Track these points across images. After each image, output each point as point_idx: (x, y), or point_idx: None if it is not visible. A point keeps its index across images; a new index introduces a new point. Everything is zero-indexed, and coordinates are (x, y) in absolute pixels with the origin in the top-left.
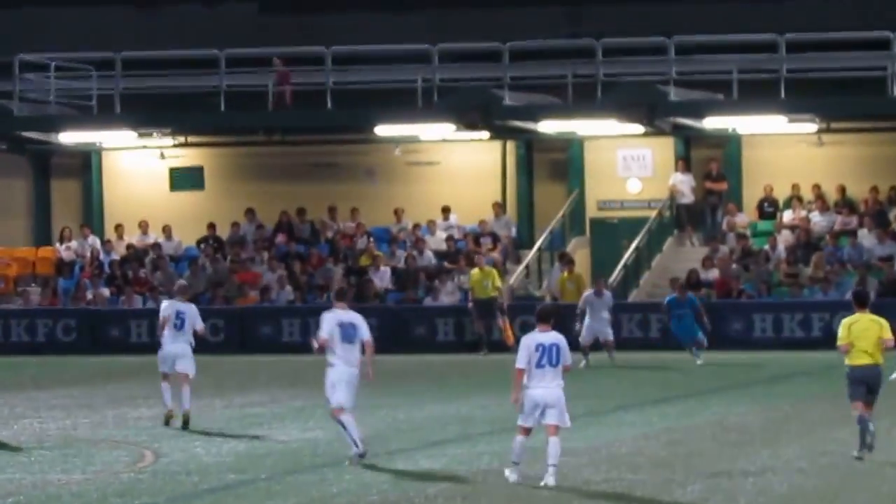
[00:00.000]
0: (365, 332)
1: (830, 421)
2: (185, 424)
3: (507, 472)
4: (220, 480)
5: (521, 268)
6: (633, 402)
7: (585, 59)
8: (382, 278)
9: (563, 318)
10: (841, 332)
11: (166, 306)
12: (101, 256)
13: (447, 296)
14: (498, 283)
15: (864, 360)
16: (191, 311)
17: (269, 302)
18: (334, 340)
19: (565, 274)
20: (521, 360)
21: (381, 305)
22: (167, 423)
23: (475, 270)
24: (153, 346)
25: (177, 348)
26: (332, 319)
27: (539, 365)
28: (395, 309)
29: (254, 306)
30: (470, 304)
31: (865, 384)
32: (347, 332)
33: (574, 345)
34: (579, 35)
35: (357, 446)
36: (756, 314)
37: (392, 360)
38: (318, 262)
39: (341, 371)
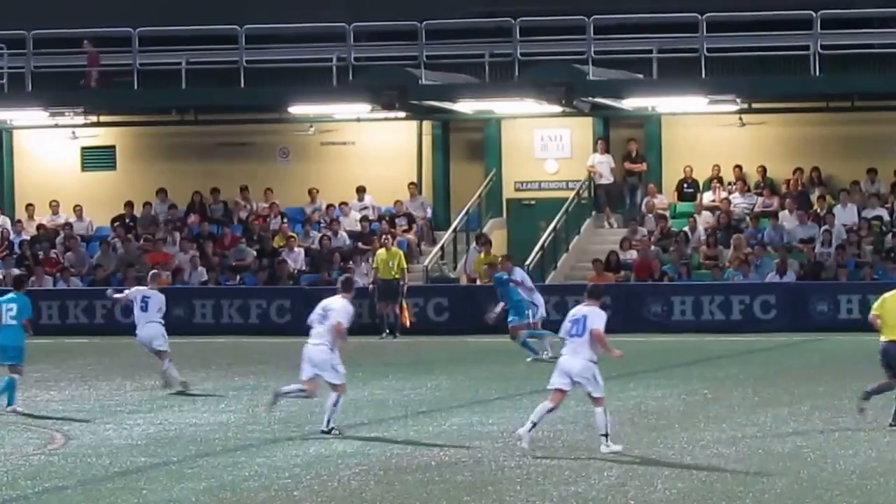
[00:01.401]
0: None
1: (750, 405)
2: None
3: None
4: (131, 463)
5: (436, 249)
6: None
7: (503, 38)
8: (296, 259)
9: (480, 300)
10: (875, 304)
11: (132, 291)
12: (11, 237)
13: (361, 277)
14: (403, 264)
15: (887, 336)
16: (156, 297)
17: (181, 283)
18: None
19: (482, 255)
20: (562, 329)
21: (295, 287)
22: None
23: (381, 251)
24: (63, 328)
25: (148, 330)
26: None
27: (569, 335)
28: (309, 290)
29: (166, 287)
30: (371, 286)
31: (886, 359)
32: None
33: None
34: (497, 14)
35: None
36: (675, 297)
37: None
38: (231, 242)
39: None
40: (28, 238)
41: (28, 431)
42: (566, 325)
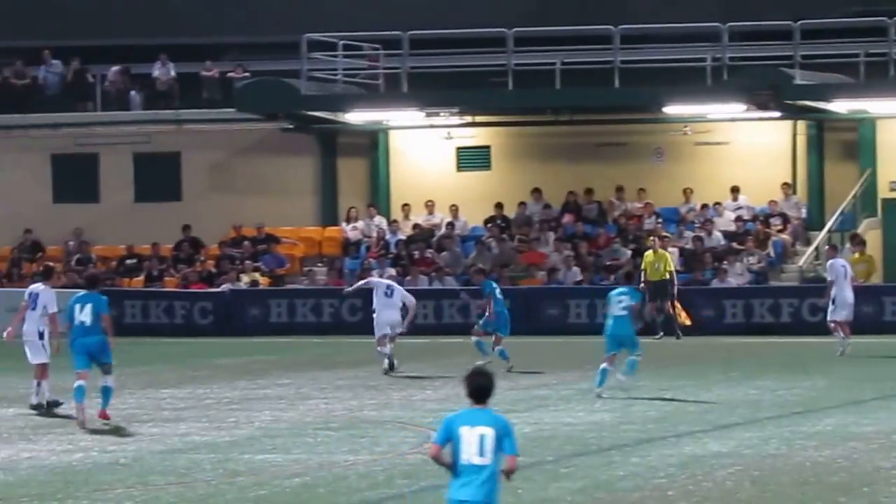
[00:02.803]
0: None
1: None
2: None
3: None
4: None
5: (810, 249)
6: None
7: (878, 37)
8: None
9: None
10: None
11: (376, 282)
12: (388, 236)
13: (735, 277)
14: (670, 266)
15: None
16: (399, 288)
17: (555, 283)
18: None
19: (856, 255)
20: None
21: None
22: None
23: (648, 252)
24: (438, 327)
25: (390, 316)
26: None
27: None
28: (682, 290)
29: (540, 287)
30: (642, 286)
31: None
32: None
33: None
34: (873, 13)
35: None
36: None
37: (678, 341)
38: (605, 242)
39: None
40: (404, 238)
41: (404, 431)
42: None
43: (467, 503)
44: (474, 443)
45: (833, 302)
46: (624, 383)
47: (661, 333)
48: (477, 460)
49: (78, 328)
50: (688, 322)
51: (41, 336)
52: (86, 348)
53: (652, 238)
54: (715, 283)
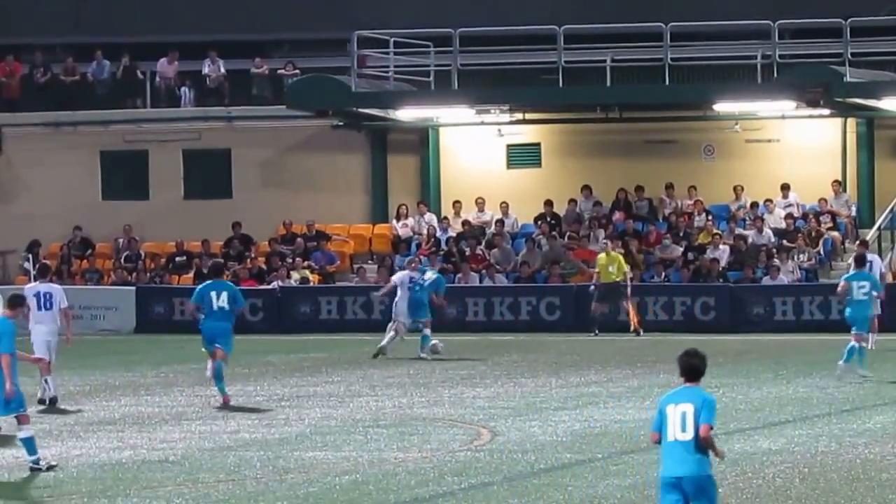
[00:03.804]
0: None
1: None
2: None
3: None
4: (556, 460)
5: None
6: None
7: None
8: (721, 257)
9: None
10: None
11: (402, 275)
12: (438, 233)
13: (786, 274)
14: (624, 267)
15: None
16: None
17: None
18: None
19: None
20: None
21: (719, 284)
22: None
23: (601, 255)
24: (489, 324)
25: (405, 306)
26: None
27: None
28: (734, 288)
29: (590, 284)
30: (592, 287)
31: None
32: None
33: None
34: None
35: None
36: None
37: (729, 339)
38: (656, 239)
39: None
40: (454, 235)
41: (454, 428)
42: None
43: (680, 479)
44: (678, 420)
45: None
46: (866, 374)
47: (596, 332)
48: (681, 436)
49: (217, 313)
50: (635, 323)
51: (61, 333)
52: (213, 332)
53: (605, 241)
54: (766, 281)
